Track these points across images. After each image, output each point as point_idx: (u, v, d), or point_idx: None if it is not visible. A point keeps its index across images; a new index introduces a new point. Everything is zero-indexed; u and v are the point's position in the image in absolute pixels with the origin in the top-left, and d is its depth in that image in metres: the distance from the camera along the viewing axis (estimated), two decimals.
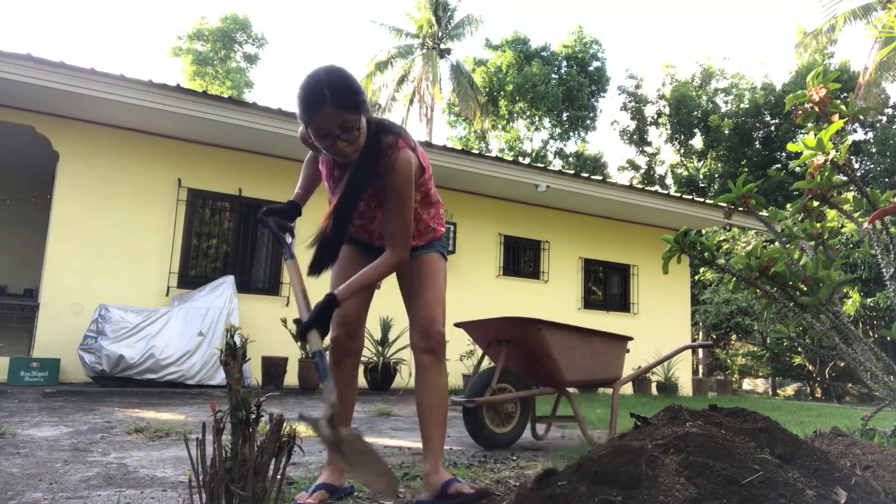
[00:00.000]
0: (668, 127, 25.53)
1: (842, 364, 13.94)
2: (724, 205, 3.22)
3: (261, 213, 2.24)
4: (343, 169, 2.15)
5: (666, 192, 12.39)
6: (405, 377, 8.14)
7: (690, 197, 10.93)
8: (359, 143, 1.98)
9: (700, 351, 16.14)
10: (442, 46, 26.48)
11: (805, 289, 2.97)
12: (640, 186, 10.66)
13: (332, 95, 1.86)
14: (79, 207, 7.27)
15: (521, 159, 22.01)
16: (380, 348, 7.65)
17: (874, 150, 20.59)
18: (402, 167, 2.03)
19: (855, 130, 22.53)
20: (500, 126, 28.01)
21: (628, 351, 4.11)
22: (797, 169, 3.48)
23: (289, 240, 2.23)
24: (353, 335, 2.28)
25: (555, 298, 10.36)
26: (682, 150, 25.95)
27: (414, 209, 2.15)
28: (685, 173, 25.05)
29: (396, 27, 26.63)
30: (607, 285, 11.38)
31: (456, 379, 8.56)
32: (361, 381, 7.84)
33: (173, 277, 7.66)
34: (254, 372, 7.19)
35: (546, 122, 27.42)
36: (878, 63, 14.13)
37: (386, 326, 7.78)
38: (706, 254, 3.06)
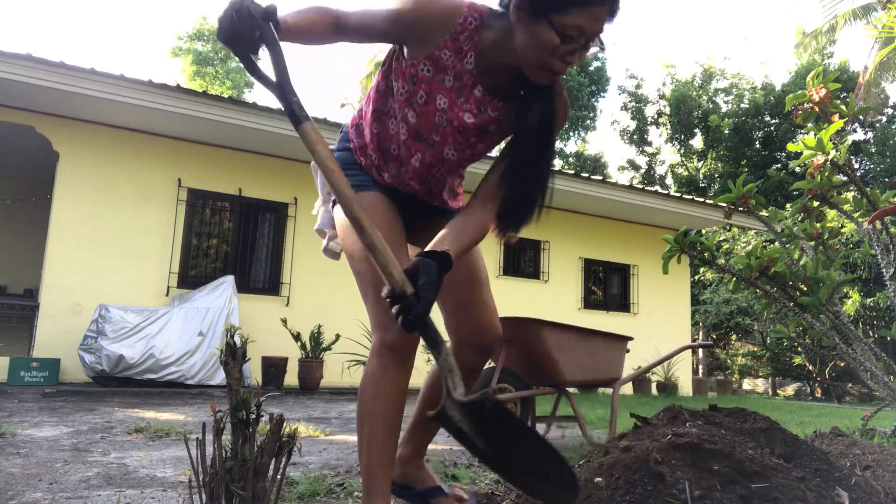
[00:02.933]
0: (669, 127, 25.53)
1: (842, 364, 13.94)
2: (724, 205, 3.23)
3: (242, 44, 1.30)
4: (465, 92, 1.50)
5: (666, 192, 12.39)
6: None
7: (690, 197, 10.94)
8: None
9: (700, 351, 16.14)
10: None
11: (805, 289, 2.97)
12: (640, 186, 10.67)
13: None
14: (79, 207, 7.27)
15: None
16: None
17: (874, 150, 20.59)
18: (567, 108, 1.56)
19: (855, 130, 22.54)
20: None
21: (628, 351, 4.11)
22: (797, 169, 3.48)
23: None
24: None
25: (555, 298, 10.36)
26: (682, 150, 25.95)
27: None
28: (685, 173, 25.06)
29: None
30: (607, 285, 11.39)
31: None
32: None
33: (173, 277, 7.66)
34: (254, 372, 7.19)
35: None
36: (878, 63, 14.13)
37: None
38: (706, 254, 3.06)
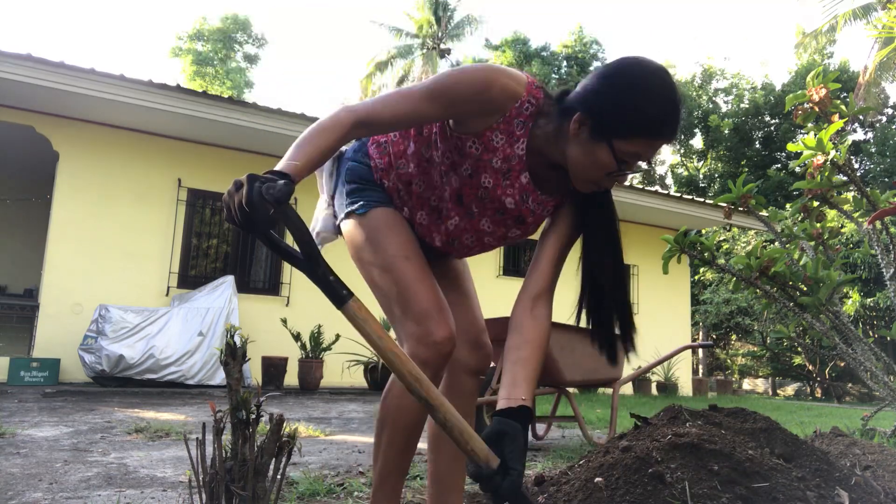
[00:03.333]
0: None
1: (842, 364, 13.94)
2: (724, 205, 3.23)
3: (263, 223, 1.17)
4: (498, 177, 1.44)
5: (666, 192, 12.39)
6: None
7: (690, 197, 10.93)
8: None
9: (700, 351, 16.14)
10: (442, 46, 26.50)
11: (805, 289, 2.97)
12: (640, 186, 10.66)
13: (676, 130, 1.33)
14: (79, 207, 7.27)
15: None
16: None
17: (874, 150, 20.59)
18: None
19: (855, 130, 22.54)
20: None
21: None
22: (797, 169, 3.48)
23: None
24: None
25: (555, 298, 10.35)
26: (682, 150, 25.95)
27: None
28: (685, 173, 25.06)
29: (396, 27, 26.65)
30: None
31: None
32: (361, 381, 7.85)
33: (173, 277, 7.66)
34: (254, 372, 7.19)
35: None
36: (878, 63, 14.13)
37: (386, 326, 7.77)
38: (706, 254, 3.06)
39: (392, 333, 1.49)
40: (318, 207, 1.71)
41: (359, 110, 1.32)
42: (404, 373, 1.20)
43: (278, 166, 1.20)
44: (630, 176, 1.37)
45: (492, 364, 3.87)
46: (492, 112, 1.36)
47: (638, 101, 1.25)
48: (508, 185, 1.44)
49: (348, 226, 1.55)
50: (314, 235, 1.65)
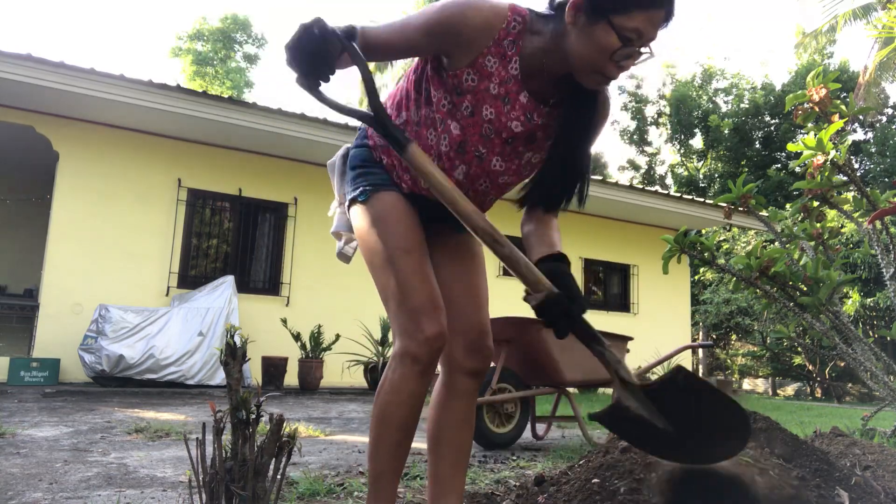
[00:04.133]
0: (669, 127, 25.52)
1: (842, 364, 13.94)
2: (724, 205, 3.23)
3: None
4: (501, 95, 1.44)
5: (666, 192, 12.39)
6: None
7: (690, 197, 10.93)
8: None
9: (700, 351, 16.14)
10: None
11: (805, 289, 2.97)
12: (640, 186, 10.67)
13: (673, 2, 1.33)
14: (79, 207, 7.27)
15: None
16: (380, 348, 7.65)
17: (874, 150, 20.59)
18: (608, 106, 1.54)
19: (855, 130, 22.53)
20: None
21: (628, 351, 4.11)
22: (797, 169, 3.48)
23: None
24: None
25: None
26: (682, 150, 25.95)
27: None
28: (685, 173, 25.05)
29: None
30: (607, 285, 11.39)
31: None
32: (361, 381, 7.85)
33: (173, 277, 7.66)
34: (254, 372, 7.19)
35: None
36: (878, 63, 14.13)
37: (386, 326, 7.77)
38: (706, 254, 3.06)
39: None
40: (332, 208, 1.74)
41: (365, 29, 1.40)
42: (469, 212, 1.31)
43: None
44: (640, 60, 1.36)
45: (491, 364, 3.88)
46: (480, 38, 1.40)
47: None
48: (510, 108, 1.45)
49: (353, 214, 1.58)
50: (337, 249, 1.74)
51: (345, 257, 1.74)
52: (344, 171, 1.66)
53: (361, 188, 1.55)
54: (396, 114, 1.56)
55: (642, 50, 1.33)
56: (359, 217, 1.55)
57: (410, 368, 1.44)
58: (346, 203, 1.61)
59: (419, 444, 3.48)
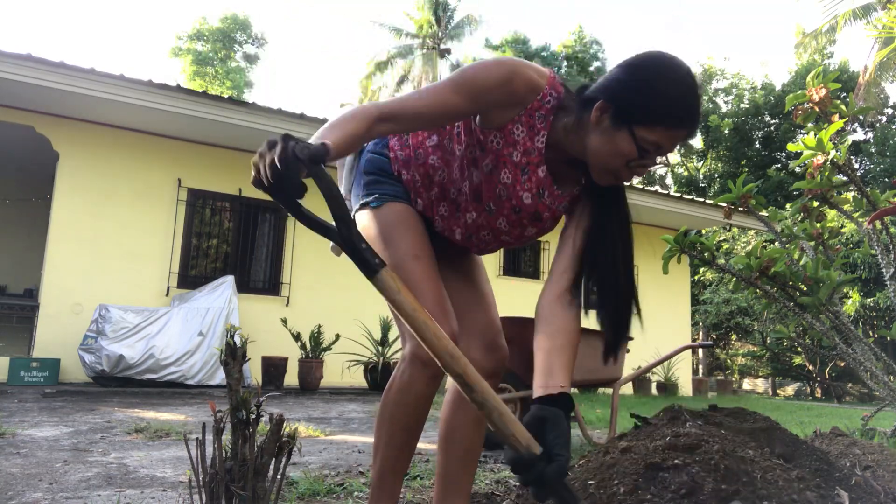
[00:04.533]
0: None
1: (842, 364, 13.94)
2: (724, 205, 3.23)
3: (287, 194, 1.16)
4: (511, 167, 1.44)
5: (666, 192, 12.39)
6: None
7: (690, 197, 10.93)
8: None
9: (700, 351, 16.14)
10: (442, 46, 26.49)
11: (805, 289, 2.97)
12: (640, 186, 10.66)
13: (696, 123, 1.35)
14: (79, 207, 7.27)
15: None
16: (380, 348, 7.65)
17: (874, 150, 20.59)
18: None
19: (855, 130, 22.54)
20: None
21: (628, 351, 4.11)
22: (797, 169, 3.47)
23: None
24: None
25: None
26: (682, 150, 25.94)
27: None
28: (685, 173, 25.05)
29: (396, 27, 26.64)
30: None
31: None
32: (361, 381, 7.85)
33: (173, 277, 7.66)
34: (254, 372, 7.19)
35: None
36: (878, 63, 14.13)
37: (386, 326, 7.78)
38: (706, 254, 3.06)
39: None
40: None
41: (382, 105, 1.32)
42: (440, 349, 1.17)
43: (310, 141, 1.17)
44: (649, 169, 1.36)
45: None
46: (515, 104, 1.37)
47: (661, 89, 1.28)
48: (526, 179, 1.45)
49: (362, 218, 1.54)
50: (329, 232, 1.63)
51: (338, 250, 1.65)
52: (353, 167, 1.63)
53: (377, 194, 1.53)
54: (428, 135, 1.53)
55: (658, 159, 1.33)
56: (369, 221, 1.52)
57: (420, 371, 1.43)
58: (356, 206, 1.57)
59: (419, 443, 3.47)
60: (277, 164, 1.07)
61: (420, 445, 3.16)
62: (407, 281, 1.38)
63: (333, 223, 1.18)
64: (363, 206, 1.55)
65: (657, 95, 1.28)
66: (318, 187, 1.13)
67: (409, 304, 1.18)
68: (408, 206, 1.54)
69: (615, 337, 1.45)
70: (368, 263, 1.18)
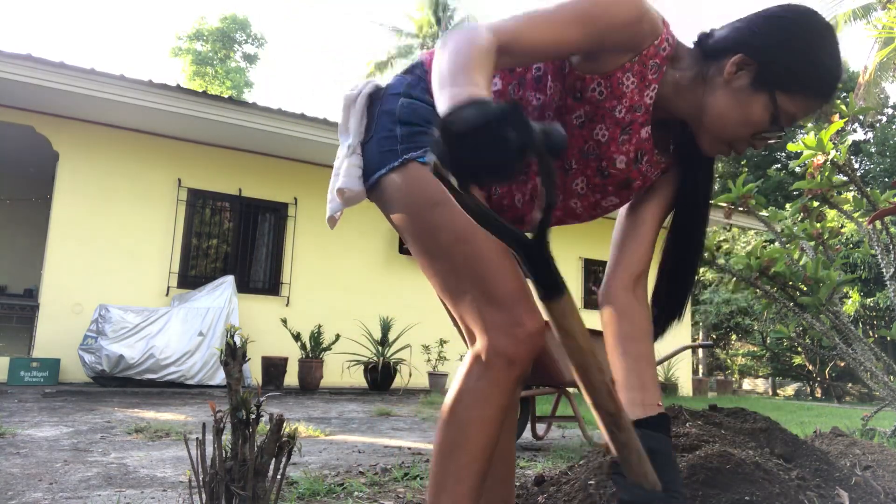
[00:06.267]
0: None
1: (842, 364, 13.94)
2: (725, 205, 3.22)
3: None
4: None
5: None
6: (405, 377, 8.14)
7: None
8: None
9: (700, 351, 16.14)
10: None
11: (805, 289, 2.97)
12: None
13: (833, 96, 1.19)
14: (79, 207, 7.27)
15: None
16: (380, 348, 7.65)
17: (874, 150, 20.60)
18: None
19: (855, 130, 22.54)
20: None
21: None
22: (797, 169, 3.47)
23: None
24: None
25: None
26: None
27: None
28: None
29: (397, 27, 26.66)
30: None
31: None
32: (361, 381, 7.85)
33: (173, 277, 7.66)
34: (254, 372, 7.19)
35: None
36: (878, 63, 14.13)
37: (386, 326, 7.78)
38: (706, 254, 3.06)
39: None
40: (339, 156, 1.31)
41: (501, 32, 1.02)
42: (599, 386, 0.95)
43: (449, 96, 0.87)
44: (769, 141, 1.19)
45: None
46: (632, 48, 1.15)
47: (818, 55, 1.11)
48: (626, 140, 1.21)
49: (402, 176, 1.18)
50: (331, 194, 1.30)
51: (333, 221, 1.35)
52: (366, 114, 1.29)
53: (426, 148, 1.18)
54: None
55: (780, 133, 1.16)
56: (412, 183, 1.17)
57: (505, 373, 1.08)
58: (394, 162, 1.20)
59: (420, 443, 3.47)
60: (511, 139, 0.71)
61: (420, 445, 3.17)
62: (479, 256, 1.12)
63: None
64: (406, 162, 1.18)
65: (811, 62, 1.10)
66: (539, 173, 0.80)
67: (580, 329, 0.93)
68: None
69: (672, 317, 1.37)
70: (557, 282, 0.90)
